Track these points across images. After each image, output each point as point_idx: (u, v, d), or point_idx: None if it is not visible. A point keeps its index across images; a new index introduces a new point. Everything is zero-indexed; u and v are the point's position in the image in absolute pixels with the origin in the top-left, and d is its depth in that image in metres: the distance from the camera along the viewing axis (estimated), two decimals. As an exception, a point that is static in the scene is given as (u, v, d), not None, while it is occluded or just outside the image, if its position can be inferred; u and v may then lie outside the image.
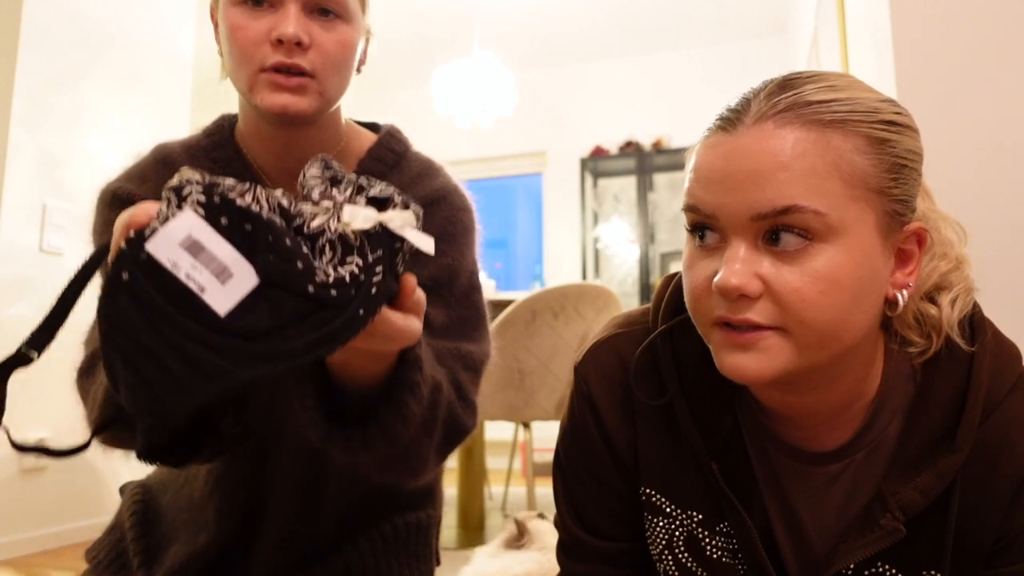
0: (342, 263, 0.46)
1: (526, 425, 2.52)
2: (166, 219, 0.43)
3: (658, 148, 4.72)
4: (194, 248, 0.42)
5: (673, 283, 0.73)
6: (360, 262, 0.46)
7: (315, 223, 0.46)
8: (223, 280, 0.43)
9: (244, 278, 0.43)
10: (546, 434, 3.59)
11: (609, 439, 0.73)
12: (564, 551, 0.79)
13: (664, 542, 0.72)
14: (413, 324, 0.52)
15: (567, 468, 0.77)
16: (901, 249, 0.60)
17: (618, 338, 0.74)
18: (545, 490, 2.98)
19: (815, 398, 0.63)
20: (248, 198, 0.44)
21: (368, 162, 0.87)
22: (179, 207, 0.43)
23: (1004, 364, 0.64)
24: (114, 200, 0.82)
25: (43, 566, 2.25)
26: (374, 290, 0.46)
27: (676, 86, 4.79)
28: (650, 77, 4.87)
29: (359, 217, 0.47)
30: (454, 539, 2.48)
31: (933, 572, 0.63)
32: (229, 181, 0.44)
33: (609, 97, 4.94)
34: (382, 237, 0.47)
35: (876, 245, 0.57)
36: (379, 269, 0.47)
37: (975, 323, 0.65)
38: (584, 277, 4.74)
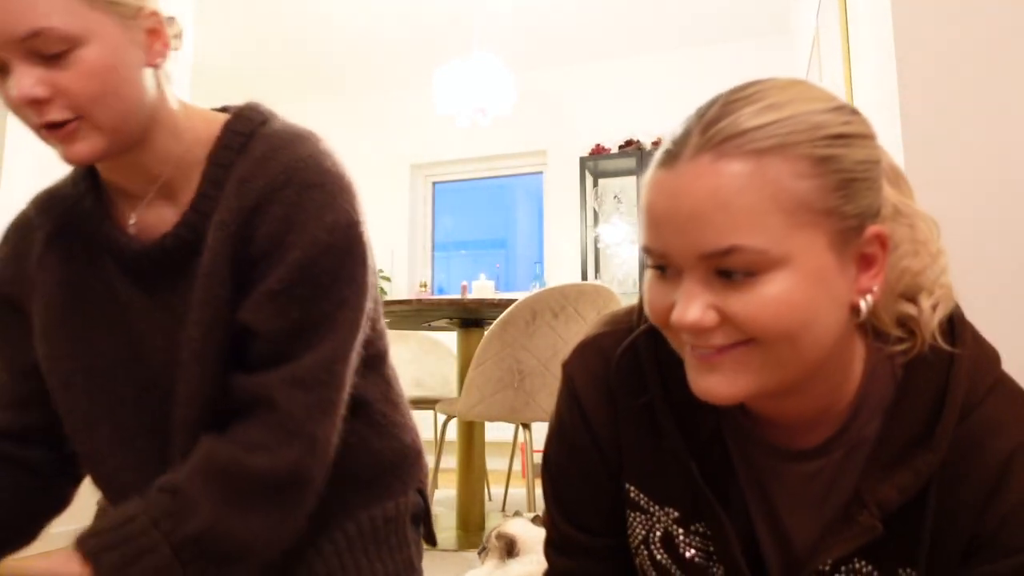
0: None
1: (526, 426, 2.51)
2: None
3: (658, 148, 4.71)
4: None
5: None
6: None
7: None
8: None
9: None
10: (546, 434, 3.57)
11: (595, 436, 0.74)
12: (552, 546, 0.80)
13: (641, 537, 0.73)
14: None
15: (555, 466, 0.79)
16: (863, 254, 0.59)
17: (603, 337, 0.76)
18: (545, 490, 2.97)
19: (794, 403, 0.64)
20: None
21: (217, 153, 0.81)
22: None
23: (983, 367, 0.65)
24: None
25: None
26: None
27: (676, 86, 4.78)
28: (650, 77, 4.86)
29: None
30: (454, 539, 2.47)
31: (909, 571, 0.63)
32: None
33: (609, 97, 4.94)
34: None
35: (830, 262, 0.57)
36: None
37: (955, 324, 0.65)
38: (584, 277, 4.73)
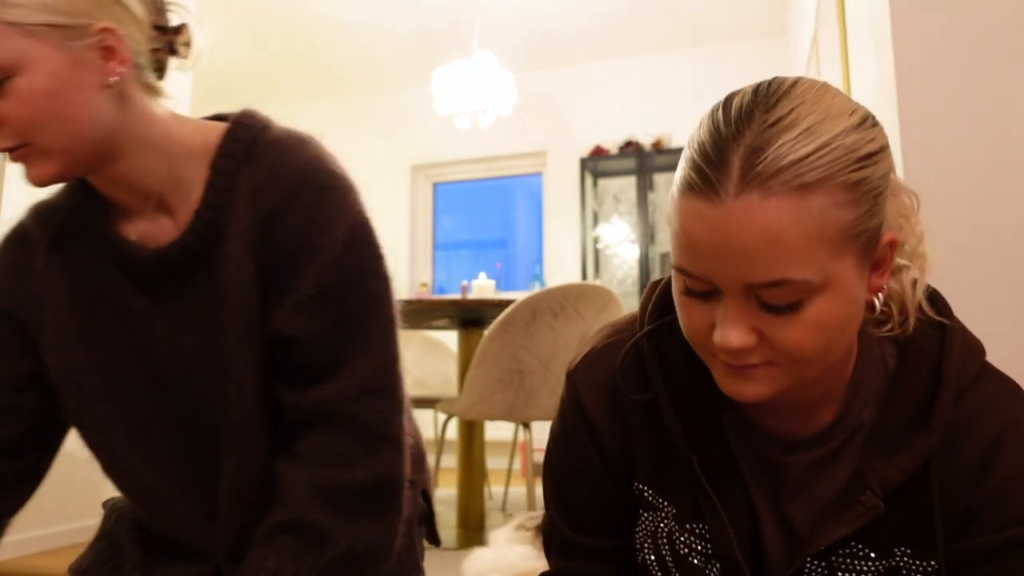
0: None
1: (526, 425, 2.52)
2: None
3: (658, 148, 4.72)
4: None
5: (659, 289, 0.76)
6: None
7: None
8: None
9: None
10: (546, 434, 3.56)
11: (599, 443, 0.76)
12: (553, 548, 0.81)
13: (649, 532, 0.75)
14: None
15: (558, 470, 0.80)
16: (877, 258, 0.62)
17: (609, 348, 0.77)
18: (545, 490, 2.98)
19: (798, 393, 0.66)
20: None
21: (220, 161, 0.81)
22: None
23: (971, 353, 0.68)
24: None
25: (43, 566, 2.25)
26: None
27: (676, 86, 4.79)
28: (650, 77, 4.86)
29: None
30: (454, 539, 2.48)
31: (904, 549, 0.65)
32: None
33: (609, 97, 4.94)
34: None
35: (857, 276, 0.60)
36: None
37: (937, 300, 0.70)
38: (584, 277, 4.74)
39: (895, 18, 1.56)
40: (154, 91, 0.82)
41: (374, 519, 0.78)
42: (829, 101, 0.59)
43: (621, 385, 0.74)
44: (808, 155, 0.56)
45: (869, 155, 0.58)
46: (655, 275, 4.66)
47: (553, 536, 0.81)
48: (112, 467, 0.87)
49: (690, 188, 0.59)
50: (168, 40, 0.82)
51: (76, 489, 2.53)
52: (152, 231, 0.83)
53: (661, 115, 4.78)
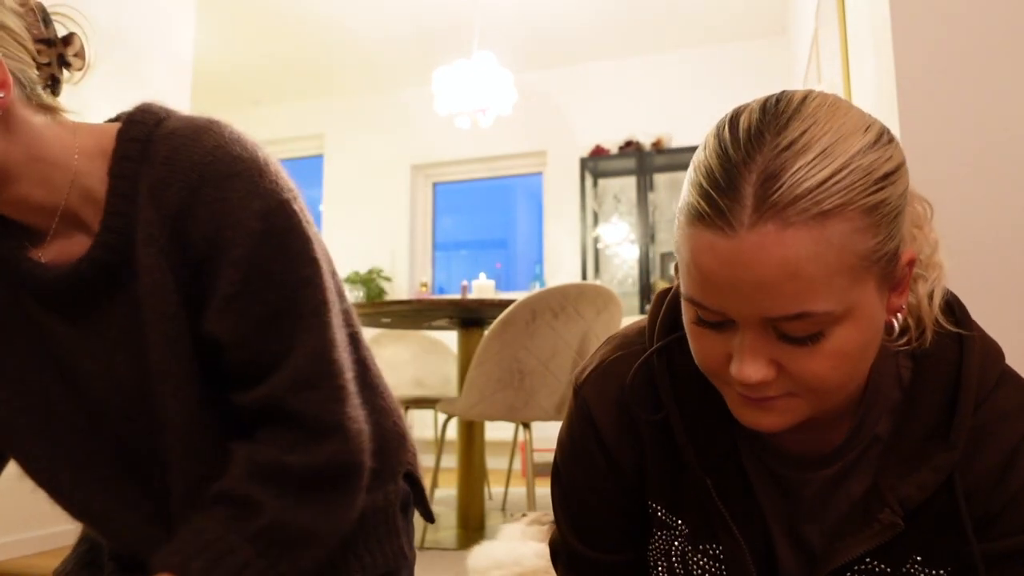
0: None
1: (526, 425, 2.52)
2: None
3: (658, 148, 4.72)
4: None
5: (667, 300, 0.73)
6: None
7: None
8: None
9: None
10: (546, 434, 3.58)
11: (611, 458, 0.74)
12: (560, 561, 0.81)
13: (662, 551, 0.74)
14: None
15: (567, 485, 0.78)
16: (896, 279, 0.60)
17: (618, 362, 0.75)
18: (545, 490, 2.98)
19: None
20: None
21: (117, 165, 0.76)
22: None
23: (990, 361, 0.66)
24: None
25: (43, 566, 2.25)
26: None
27: (676, 86, 4.79)
28: (650, 77, 4.86)
29: None
30: (454, 539, 2.48)
31: (916, 556, 0.64)
32: None
33: (609, 97, 4.94)
34: None
35: (877, 300, 0.57)
36: None
37: (955, 308, 0.67)
38: (584, 277, 4.74)
39: (895, 18, 1.56)
40: (49, 109, 0.76)
41: (311, 503, 0.76)
42: (842, 118, 0.56)
43: (631, 404, 0.72)
44: (825, 180, 0.52)
45: (887, 175, 0.55)
46: (655, 275, 4.66)
47: (561, 548, 0.80)
48: (60, 498, 0.85)
49: (700, 218, 0.55)
50: (57, 53, 0.77)
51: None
52: (69, 249, 0.78)
53: (661, 115, 4.78)
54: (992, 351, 0.67)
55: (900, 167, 0.57)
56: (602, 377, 0.75)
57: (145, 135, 0.76)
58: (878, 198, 0.54)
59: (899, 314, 0.62)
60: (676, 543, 0.72)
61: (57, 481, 0.83)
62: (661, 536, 0.74)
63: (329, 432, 0.76)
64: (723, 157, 0.55)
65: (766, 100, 0.58)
